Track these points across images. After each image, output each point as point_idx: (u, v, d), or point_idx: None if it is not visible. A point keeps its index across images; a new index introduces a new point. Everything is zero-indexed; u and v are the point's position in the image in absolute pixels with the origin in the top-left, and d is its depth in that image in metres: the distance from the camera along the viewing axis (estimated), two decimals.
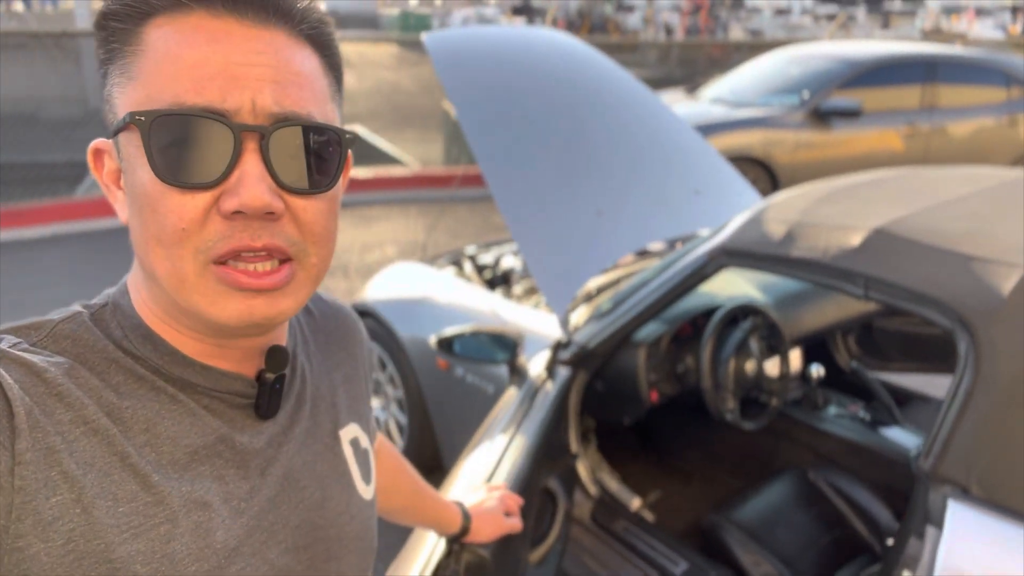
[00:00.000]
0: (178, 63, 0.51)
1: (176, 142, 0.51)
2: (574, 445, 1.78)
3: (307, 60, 0.56)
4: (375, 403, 2.70)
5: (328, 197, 0.57)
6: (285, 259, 0.55)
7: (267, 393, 0.62)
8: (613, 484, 1.90)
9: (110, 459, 0.52)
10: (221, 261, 0.53)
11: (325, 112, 0.58)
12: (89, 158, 0.59)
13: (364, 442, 0.77)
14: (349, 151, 0.60)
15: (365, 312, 2.60)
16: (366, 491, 0.74)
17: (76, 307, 0.59)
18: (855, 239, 1.31)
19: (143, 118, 0.51)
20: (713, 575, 1.58)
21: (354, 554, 0.71)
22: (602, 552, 1.75)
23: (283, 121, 0.53)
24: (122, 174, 0.56)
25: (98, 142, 0.58)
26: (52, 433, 0.50)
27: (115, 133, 0.54)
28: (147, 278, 0.57)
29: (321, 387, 0.72)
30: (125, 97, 0.53)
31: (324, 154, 0.56)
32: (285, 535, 0.63)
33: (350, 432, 0.74)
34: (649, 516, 1.97)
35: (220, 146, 0.52)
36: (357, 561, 0.71)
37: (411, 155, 7.44)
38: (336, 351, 0.77)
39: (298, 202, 0.55)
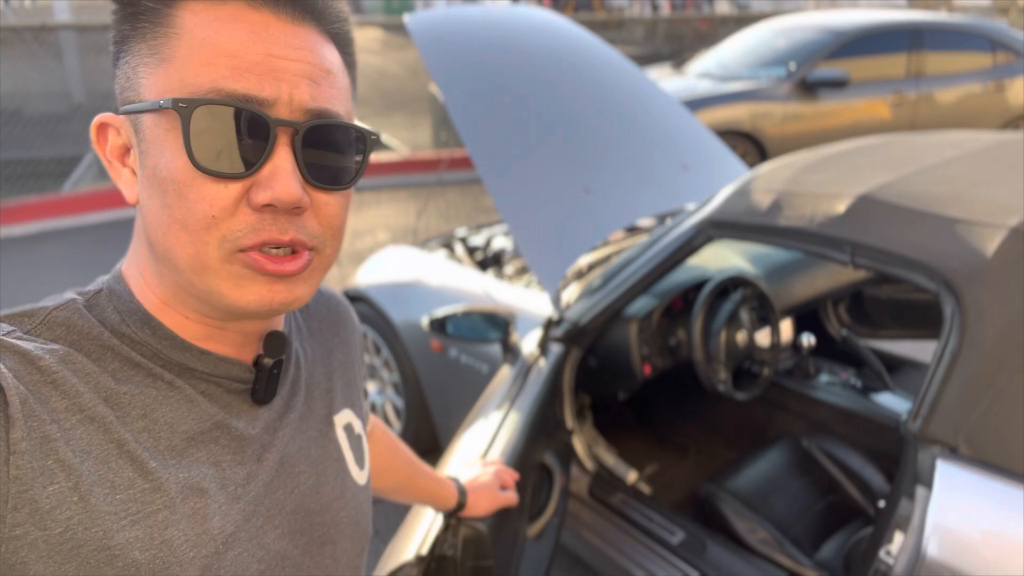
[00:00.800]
0: (217, 50, 0.52)
1: (212, 130, 0.51)
2: (569, 421, 1.79)
3: (333, 58, 0.58)
4: (371, 387, 2.71)
5: (347, 193, 0.59)
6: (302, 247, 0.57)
7: (264, 379, 0.62)
8: (609, 459, 1.92)
9: (107, 446, 0.52)
10: (245, 249, 0.54)
11: (348, 110, 0.59)
12: (92, 132, 0.59)
13: (357, 427, 0.77)
14: None
15: (358, 297, 2.60)
16: (360, 476, 0.75)
17: (70, 294, 0.59)
18: (841, 206, 1.32)
19: (185, 105, 0.51)
20: (709, 544, 1.60)
21: (349, 538, 0.71)
22: (600, 525, 1.77)
23: (317, 117, 0.55)
24: (135, 153, 0.56)
25: (104, 116, 0.58)
26: (48, 421, 0.50)
27: (136, 112, 0.54)
28: (157, 260, 0.57)
29: (316, 373, 0.72)
30: (155, 78, 0.53)
31: (349, 152, 0.58)
32: (281, 520, 0.63)
33: (344, 418, 0.75)
34: (646, 489, 1.99)
35: (256, 138, 0.52)
36: (352, 545, 0.72)
37: (400, 140, 7.40)
38: (330, 337, 0.77)
39: (321, 197, 0.57)
